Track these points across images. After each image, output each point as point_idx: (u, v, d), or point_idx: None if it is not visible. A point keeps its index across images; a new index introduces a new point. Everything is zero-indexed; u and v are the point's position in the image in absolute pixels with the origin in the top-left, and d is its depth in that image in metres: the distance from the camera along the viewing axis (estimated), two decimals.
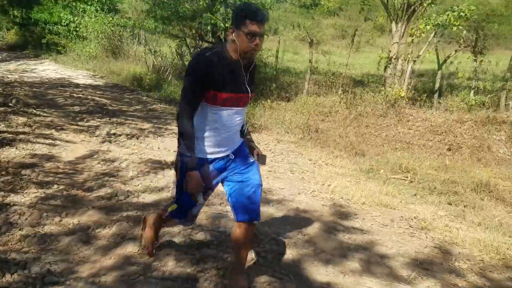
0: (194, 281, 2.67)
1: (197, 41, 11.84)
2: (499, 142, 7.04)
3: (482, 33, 9.29)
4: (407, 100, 8.29)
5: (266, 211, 3.97)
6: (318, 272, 2.99)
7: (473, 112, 7.95)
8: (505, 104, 8.27)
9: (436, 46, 8.69)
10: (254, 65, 2.41)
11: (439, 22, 7.51)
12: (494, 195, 5.12)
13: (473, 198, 4.96)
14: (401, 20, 8.59)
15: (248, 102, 2.42)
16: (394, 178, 5.67)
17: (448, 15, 7.39)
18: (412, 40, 8.08)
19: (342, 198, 4.66)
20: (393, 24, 8.83)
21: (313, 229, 3.69)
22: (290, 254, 3.19)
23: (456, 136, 7.21)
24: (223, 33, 10.86)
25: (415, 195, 5.07)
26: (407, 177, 5.64)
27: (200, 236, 3.25)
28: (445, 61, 8.49)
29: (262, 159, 2.56)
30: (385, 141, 7.36)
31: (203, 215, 3.67)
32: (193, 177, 2.27)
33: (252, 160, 2.49)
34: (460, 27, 7.70)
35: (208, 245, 3.13)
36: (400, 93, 8.14)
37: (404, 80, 8.45)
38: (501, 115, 7.74)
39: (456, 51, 8.47)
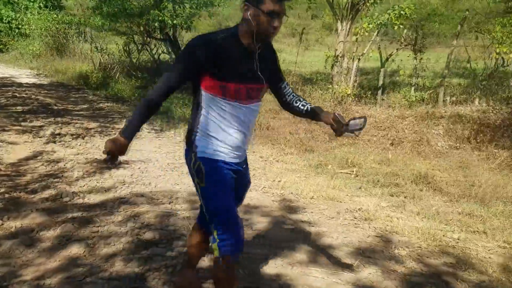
0: (142, 280, 2.67)
1: (145, 38, 11.67)
2: (437, 136, 7.46)
3: (422, 32, 9.77)
4: (353, 97, 8.58)
5: None
6: (268, 265, 3.07)
7: (413, 108, 8.37)
8: (443, 100, 8.76)
9: (379, 45, 9.05)
10: (272, 50, 2.13)
11: (381, 21, 7.84)
12: (432, 186, 5.42)
13: (413, 189, 5.23)
14: (346, 19, 8.88)
15: (263, 94, 2.13)
16: (341, 172, 5.87)
17: (389, 14, 7.72)
18: (357, 39, 8.37)
19: (292, 193, 4.79)
20: (339, 23, 9.10)
21: (263, 224, 3.77)
22: None
23: (398, 131, 7.56)
24: (171, 30, 10.76)
25: (360, 188, 5.28)
26: (353, 171, 5.86)
27: (148, 235, 3.24)
28: (387, 59, 8.88)
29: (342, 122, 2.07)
30: (333, 138, 7.59)
31: (151, 214, 3.66)
32: (118, 140, 1.88)
33: (248, 179, 2.30)
34: (401, 26, 8.09)
35: (156, 244, 3.14)
36: (347, 90, 8.41)
37: (350, 78, 8.75)
38: (439, 110, 8.20)
39: (397, 49, 8.87)
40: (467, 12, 9.09)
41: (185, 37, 12.06)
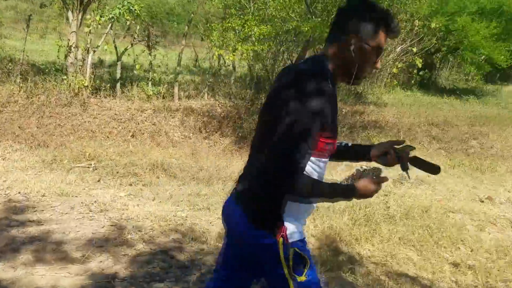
0: None
1: None
2: (174, 127, 8.06)
3: (157, 29, 10.23)
4: (90, 89, 8.36)
5: None
6: None
7: (151, 101, 8.78)
8: (178, 94, 9.47)
9: (114, 38, 9.06)
10: None
11: (113, 16, 7.87)
12: (167, 172, 5.86)
13: (150, 177, 5.55)
14: (76, 10, 8.49)
15: None
16: (78, 166, 5.72)
17: (119, 8, 7.81)
18: (90, 30, 8.16)
19: (19, 193, 4.47)
20: (70, 13, 8.64)
21: None
22: None
23: (138, 123, 7.82)
24: None
25: (98, 181, 5.27)
26: (91, 164, 5.79)
27: None
28: (123, 53, 8.97)
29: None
30: (70, 131, 7.27)
31: None
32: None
33: None
34: (133, 22, 8.31)
35: None
36: (83, 82, 8.13)
37: (86, 69, 8.48)
38: (175, 104, 8.89)
39: (132, 44, 9.08)
40: (192, 15, 10.04)
41: None
